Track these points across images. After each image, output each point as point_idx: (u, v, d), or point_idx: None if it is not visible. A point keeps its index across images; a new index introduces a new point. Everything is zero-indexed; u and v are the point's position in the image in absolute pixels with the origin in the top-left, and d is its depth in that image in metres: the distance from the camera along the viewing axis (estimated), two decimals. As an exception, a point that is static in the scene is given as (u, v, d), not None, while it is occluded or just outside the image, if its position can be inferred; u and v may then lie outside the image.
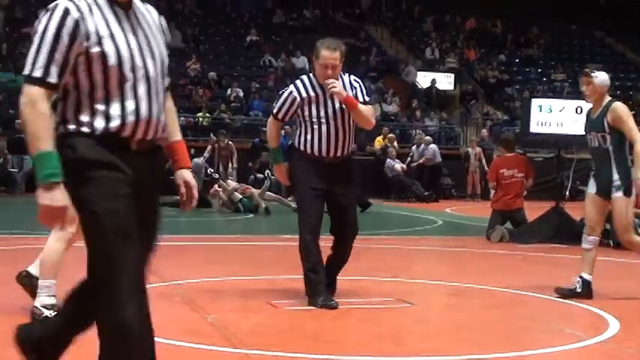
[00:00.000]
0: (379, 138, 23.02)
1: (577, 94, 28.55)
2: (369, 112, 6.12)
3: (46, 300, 5.08)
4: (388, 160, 21.50)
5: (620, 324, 5.60)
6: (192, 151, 17.86)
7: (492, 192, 12.39)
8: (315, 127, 6.02)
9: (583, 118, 11.52)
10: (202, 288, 6.73)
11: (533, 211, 12.00)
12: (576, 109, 11.63)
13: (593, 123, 6.56)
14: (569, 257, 9.98)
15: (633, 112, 19.96)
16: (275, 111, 6.22)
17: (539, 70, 31.62)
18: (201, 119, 23.64)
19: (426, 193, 20.91)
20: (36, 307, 5.07)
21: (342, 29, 31.49)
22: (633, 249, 6.54)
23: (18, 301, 5.52)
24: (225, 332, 5.04)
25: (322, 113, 6.03)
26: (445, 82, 29.10)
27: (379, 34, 32.62)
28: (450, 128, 26.76)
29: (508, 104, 28.48)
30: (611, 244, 10.97)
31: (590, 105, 6.63)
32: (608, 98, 6.54)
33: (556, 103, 11.89)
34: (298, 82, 6.24)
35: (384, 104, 26.84)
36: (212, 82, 26.14)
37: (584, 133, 6.78)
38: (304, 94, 6.10)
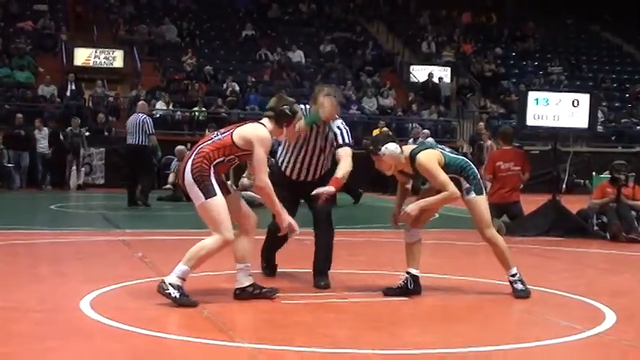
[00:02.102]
0: (375, 131, 23.00)
1: (573, 87, 28.58)
2: (345, 165, 6.49)
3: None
4: (385, 153, 21.49)
5: (616, 316, 5.59)
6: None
7: (489, 185, 12.39)
8: (290, 150, 6.63)
9: (580, 111, 11.67)
10: (198, 282, 6.71)
11: (530, 204, 12.00)
12: (573, 101, 11.61)
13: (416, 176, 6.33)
14: (566, 249, 9.99)
15: (630, 105, 19.87)
16: None
17: (536, 64, 31.61)
18: (197, 114, 23.61)
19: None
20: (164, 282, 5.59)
21: (337, 23, 31.50)
22: (494, 246, 6.29)
23: (10, 296, 5.50)
24: (221, 326, 5.03)
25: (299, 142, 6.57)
26: (441, 75, 29.10)
27: (375, 28, 32.61)
28: (446, 122, 26.78)
29: (504, 97, 28.48)
30: (608, 236, 10.99)
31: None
32: (407, 152, 6.20)
33: (552, 96, 11.86)
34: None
35: (381, 98, 26.84)
36: (208, 76, 26.12)
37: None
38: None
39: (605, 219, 11.15)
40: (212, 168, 5.59)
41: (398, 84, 28.68)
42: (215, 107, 24.19)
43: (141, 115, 15.08)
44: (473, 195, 6.28)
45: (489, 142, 21.49)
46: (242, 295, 5.82)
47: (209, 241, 5.59)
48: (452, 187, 6.12)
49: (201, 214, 5.65)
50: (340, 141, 6.56)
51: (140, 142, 14.81)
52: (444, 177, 6.13)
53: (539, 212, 11.68)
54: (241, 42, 29.22)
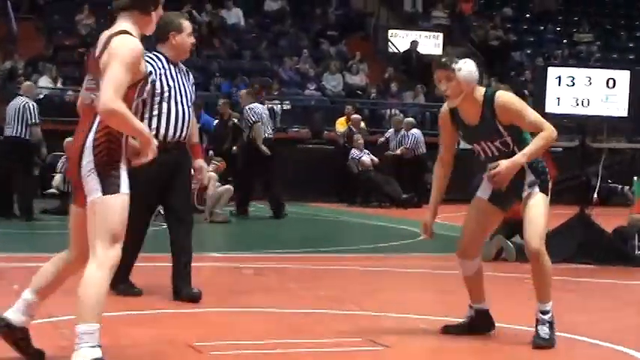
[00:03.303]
0: (341, 120, 23.08)
1: (609, 62, 28.86)
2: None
3: None
4: (353, 150, 21.55)
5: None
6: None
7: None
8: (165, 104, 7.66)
9: (617, 93, 11.82)
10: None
11: (553, 219, 12.10)
12: (607, 81, 11.76)
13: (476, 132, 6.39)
14: (597, 281, 10.11)
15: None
16: None
17: (558, 29, 31.90)
18: (96, 94, 23.43)
19: (405, 196, 21.00)
20: None
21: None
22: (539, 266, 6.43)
23: None
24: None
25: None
26: (430, 44, 29.24)
27: (341, -22, 32.69)
28: (436, 108, 26.87)
29: (516, 75, 28.71)
30: None
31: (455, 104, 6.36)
32: (482, 90, 6.33)
33: (580, 74, 12.00)
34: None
35: (348, 74, 26.89)
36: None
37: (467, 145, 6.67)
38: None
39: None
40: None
41: (371, 55, 28.78)
42: (121, 85, 24.07)
43: (23, 99, 15.18)
44: (537, 189, 6.42)
45: None
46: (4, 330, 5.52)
47: (93, 276, 5.18)
48: (548, 124, 6.26)
49: (90, 216, 5.24)
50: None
51: (19, 135, 14.88)
52: (536, 114, 6.31)
53: (563, 231, 11.78)
54: (159, -3, 29.11)
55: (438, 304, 8.20)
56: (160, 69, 7.74)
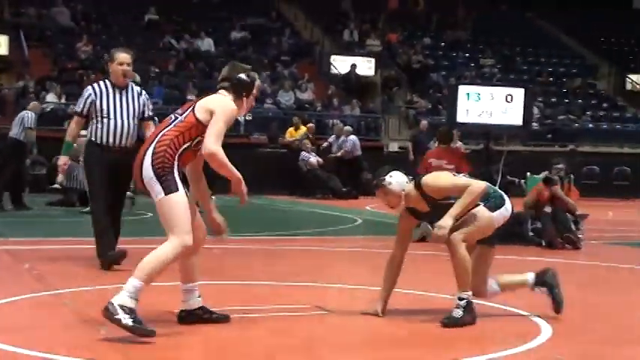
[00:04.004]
0: (290, 129, 23.10)
1: (507, 81, 29.10)
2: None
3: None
4: (303, 152, 21.56)
5: (552, 329, 5.72)
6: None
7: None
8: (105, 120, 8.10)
9: (514, 106, 11.91)
10: (93, 297, 6.61)
11: (461, 208, 12.16)
12: (506, 97, 11.86)
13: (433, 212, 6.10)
14: (499, 258, 10.15)
15: (567, 100, 20.32)
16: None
17: (467, 55, 32.10)
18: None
19: (345, 190, 21.03)
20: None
21: (251, 7, 31.41)
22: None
23: None
24: (118, 346, 4.96)
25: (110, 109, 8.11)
26: (365, 67, 29.28)
27: (292, 13, 32.65)
28: (370, 118, 26.91)
29: (433, 92, 28.83)
30: (543, 243, 11.23)
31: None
32: (410, 186, 6.05)
33: (485, 91, 12.10)
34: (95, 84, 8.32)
35: (298, 91, 26.87)
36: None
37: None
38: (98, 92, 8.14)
39: (539, 224, 11.39)
40: (176, 158, 5.27)
41: (317, 76, 28.78)
42: (113, 100, 23.87)
43: (27, 111, 15.39)
44: (481, 207, 6.11)
45: (459, 144, 21.56)
46: (189, 318, 5.63)
47: (165, 249, 5.21)
48: (475, 181, 5.98)
49: (160, 213, 5.29)
50: (147, 114, 8.31)
51: (16, 137, 15.04)
52: (461, 180, 6.03)
53: (471, 217, 11.85)
54: (143, 27, 28.91)
55: (372, 277, 8.19)
56: (101, 93, 8.14)
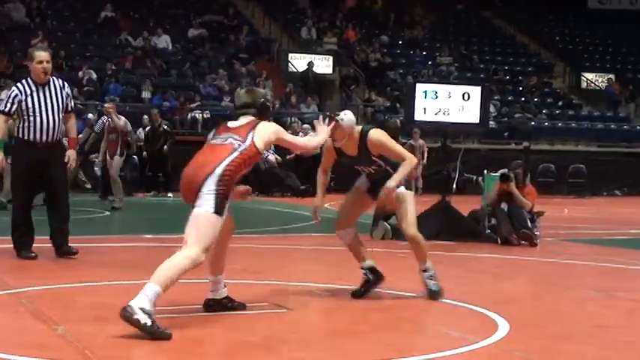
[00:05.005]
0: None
1: (464, 79, 29.25)
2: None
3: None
4: (261, 150, 21.53)
5: (509, 325, 5.78)
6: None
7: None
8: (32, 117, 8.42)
9: (471, 104, 11.98)
10: (51, 296, 6.58)
11: (420, 205, 12.22)
12: (463, 95, 11.92)
13: (355, 160, 6.78)
14: (456, 255, 10.24)
15: (523, 98, 20.72)
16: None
17: (424, 53, 32.24)
18: (48, 105, 23.04)
19: (303, 187, 21.03)
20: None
21: (208, 5, 31.30)
22: (416, 245, 6.85)
23: None
24: (77, 345, 4.94)
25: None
26: (323, 65, 29.31)
27: (250, 10, 32.57)
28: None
29: (391, 90, 28.93)
30: (498, 240, 11.33)
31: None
32: (359, 129, 6.70)
33: (442, 89, 12.14)
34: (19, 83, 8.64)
35: (256, 89, 26.81)
36: (62, 63, 25.52)
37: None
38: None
39: (494, 221, 11.48)
40: (234, 184, 5.69)
41: (275, 74, 28.74)
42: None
43: None
44: (402, 189, 6.70)
45: (421, 142, 21.60)
46: (216, 307, 6.00)
47: (183, 259, 5.38)
48: (409, 155, 6.66)
49: (196, 222, 5.49)
50: (69, 107, 8.70)
51: None
52: (400, 147, 6.74)
53: (429, 214, 11.90)
54: (100, 24, 28.67)
55: (330, 274, 8.22)
56: (25, 92, 8.45)
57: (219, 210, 5.47)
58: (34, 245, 8.65)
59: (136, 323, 5.06)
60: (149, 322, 5.07)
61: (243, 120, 5.94)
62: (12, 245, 8.68)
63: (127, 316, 5.08)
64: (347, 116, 6.57)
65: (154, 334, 5.07)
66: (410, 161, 6.57)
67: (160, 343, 5.06)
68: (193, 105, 24.67)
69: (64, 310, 5.98)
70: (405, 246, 10.56)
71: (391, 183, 6.47)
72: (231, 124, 5.95)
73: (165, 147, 19.94)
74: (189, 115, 24.24)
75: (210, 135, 6.01)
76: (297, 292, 7.18)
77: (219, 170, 5.54)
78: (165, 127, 20.34)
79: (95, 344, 4.95)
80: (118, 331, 5.13)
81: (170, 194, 19.78)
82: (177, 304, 6.05)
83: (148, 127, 20.50)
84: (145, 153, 20.62)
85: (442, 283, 6.88)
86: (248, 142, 5.71)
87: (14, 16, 27.59)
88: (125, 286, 7.02)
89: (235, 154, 5.64)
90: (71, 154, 8.77)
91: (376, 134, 6.63)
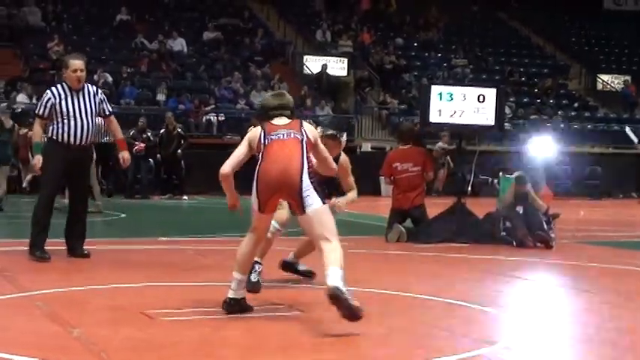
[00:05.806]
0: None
1: (479, 81, 29.20)
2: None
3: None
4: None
5: (524, 328, 5.75)
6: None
7: (390, 187, 12.55)
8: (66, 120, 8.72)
9: (486, 106, 11.94)
10: (66, 298, 6.58)
11: (436, 207, 12.20)
12: (478, 97, 11.88)
13: None
14: (471, 257, 10.20)
15: (539, 100, 20.55)
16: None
17: (439, 55, 32.20)
18: (64, 108, 23.11)
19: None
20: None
21: (223, 8, 31.36)
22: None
23: None
24: (93, 348, 4.94)
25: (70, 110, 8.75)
26: (338, 67, 29.30)
27: (265, 13, 32.62)
28: (343, 118, 26.93)
29: (406, 92, 28.89)
30: (514, 243, 11.27)
31: None
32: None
33: (457, 91, 12.10)
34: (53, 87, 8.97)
35: (271, 91, 26.79)
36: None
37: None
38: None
39: (509, 224, 11.42)
40: None
41: (290, 76, 28.75)
42: (85, 101, 23.75)
43: None
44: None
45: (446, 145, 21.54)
46: (235, 307, 6.04)
47: (338, 249, 5.74)
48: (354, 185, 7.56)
49: (319, 220, 5.81)
50: (107, 111, 9.21)
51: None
52: (352, 179, 7.58)
53: (444, 217, 11.87)
54: (115, 27, 28.77)
55: (347, 277, 8.19)
56: (59, 95, 8.75)
57: (322, 198, 5.87)
58: (46, 248, 8.68)
59: (345, 302, 5.44)
60: (356, 304, 5.47)
61: (285, 120, 6.20)
62: (27, 247, 8.71)
63: (337, 297, 5.45)
64: (344, 138, 7.62)
65: (357, 312, 5.44)
66: (355, 192, 7.60)
67: (175, 346, 5.06)
68: (208, 108, 24.73)
69: (80, 312, 5.98)
70: (421, 248, 10.57)
71: (343, 201, 7.39)
72: (277, 121, 6.18)
73: (179, 151, 20.16)
74: (204, 118, 24.30)
75: (261, 135, 6.17)
76: (313, 294, 7.15)
77: (305, 165, 5.91)
78: (180, 130, 20.58)
79: (111, 347, 4.95)
80: (133, 334, 5.12)
81: (185, 197, 19.83)
82: (194, 307, 6.03)
83: (162, 130, 20.65)
84: (159, 156, 20.72)
85: (459, 286, 6.84)
86: (305, 136, 6.06)
87: (30, 19, 27.72)
88: (139, 289, 7.02)
89: (303, 146, 6.01)
90: (124, 155, 9.20)
91: (346, 163, 7.57)
